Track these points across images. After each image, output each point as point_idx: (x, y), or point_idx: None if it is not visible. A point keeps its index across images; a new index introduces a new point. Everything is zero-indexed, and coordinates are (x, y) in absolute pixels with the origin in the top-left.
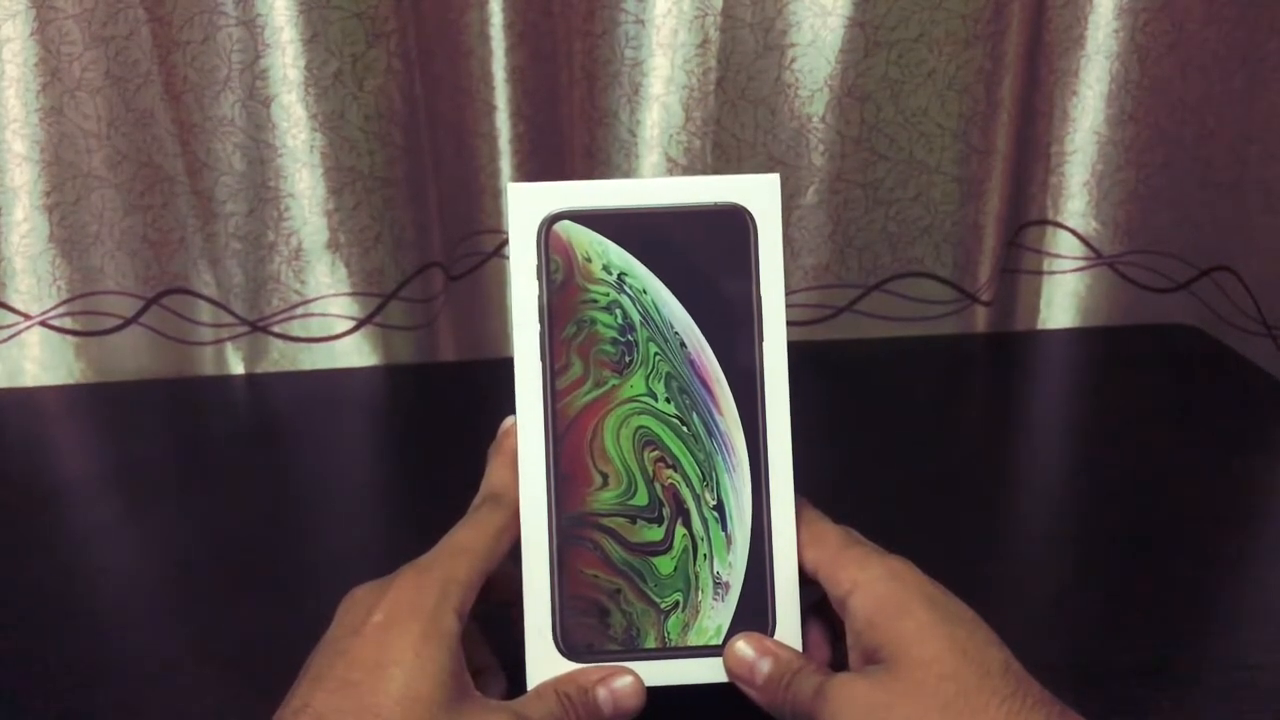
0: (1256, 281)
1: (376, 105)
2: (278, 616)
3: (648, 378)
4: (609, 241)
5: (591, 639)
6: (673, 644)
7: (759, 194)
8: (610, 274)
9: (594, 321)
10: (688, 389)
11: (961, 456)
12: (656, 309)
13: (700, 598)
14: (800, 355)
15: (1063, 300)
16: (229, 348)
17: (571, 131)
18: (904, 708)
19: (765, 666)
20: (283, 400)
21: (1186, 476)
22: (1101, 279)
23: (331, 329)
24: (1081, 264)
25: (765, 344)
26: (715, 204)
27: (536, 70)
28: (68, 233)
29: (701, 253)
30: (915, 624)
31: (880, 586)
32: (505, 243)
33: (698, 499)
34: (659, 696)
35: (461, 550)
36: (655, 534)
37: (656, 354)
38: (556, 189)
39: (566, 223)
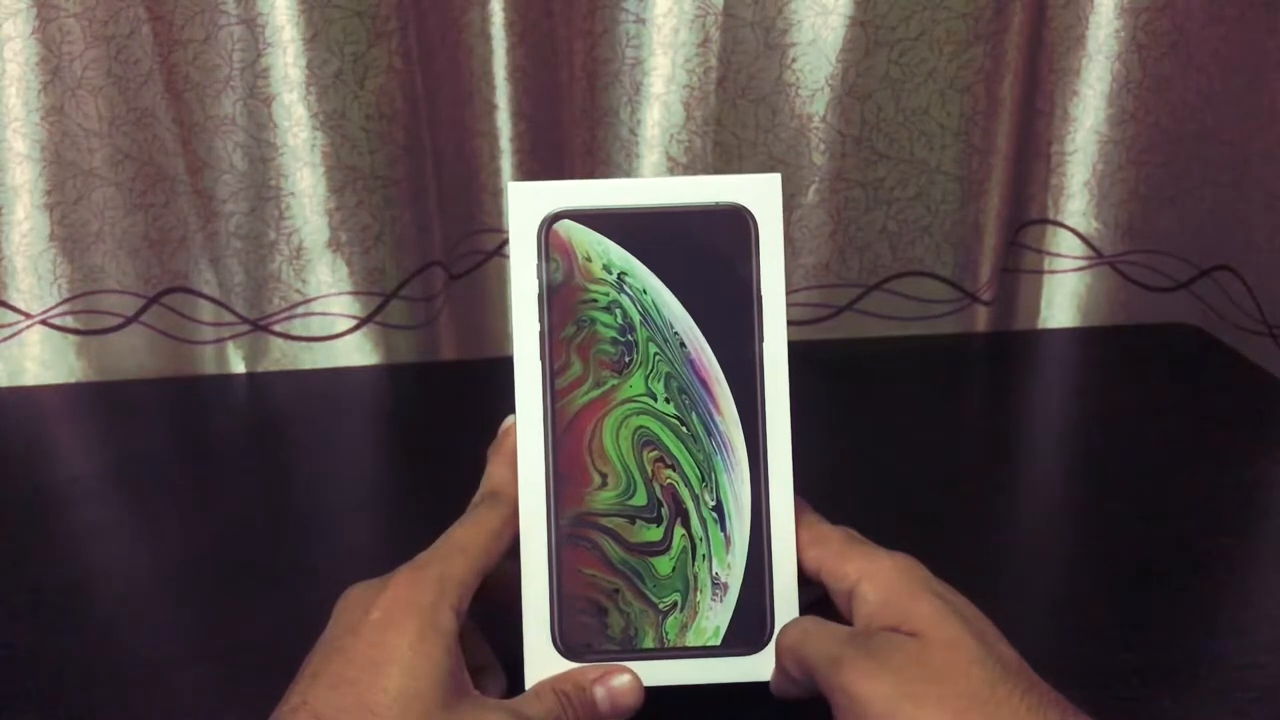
0: (1257, 281)
1: (378, 104)
2: (278, 616)
3: (647, 378)
4: (609, 241)
5: (590, 638)
6: (671, 644)
7: (760, 194)
8: (610, 274)
9: (594, 321)
10: (687, 389)
11: (962, 456)
12: (656, 309)
13: (699, 598)
14: (800, 355)
15: (1063, 300)
16: (230, 346)
17: (572, 130)
18: (938, 685)
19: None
20: (283, 399)
21: (1186, 476)
22: (1102, 278)
23: (332, 328)
24: (1082, 263)
25: (765, 344)
26: (716, 204)
27: (537, 69)
28: (69, 231)
29: (702, 252)
30: (932, 608)
31: (891, 574)
32: (506, 242)
33: (696, 499)
34: (657, 696)
35: (459, 549)
36: (654, 534)
37: (656, 354)
38: (557, 188)
39: (567, 222)
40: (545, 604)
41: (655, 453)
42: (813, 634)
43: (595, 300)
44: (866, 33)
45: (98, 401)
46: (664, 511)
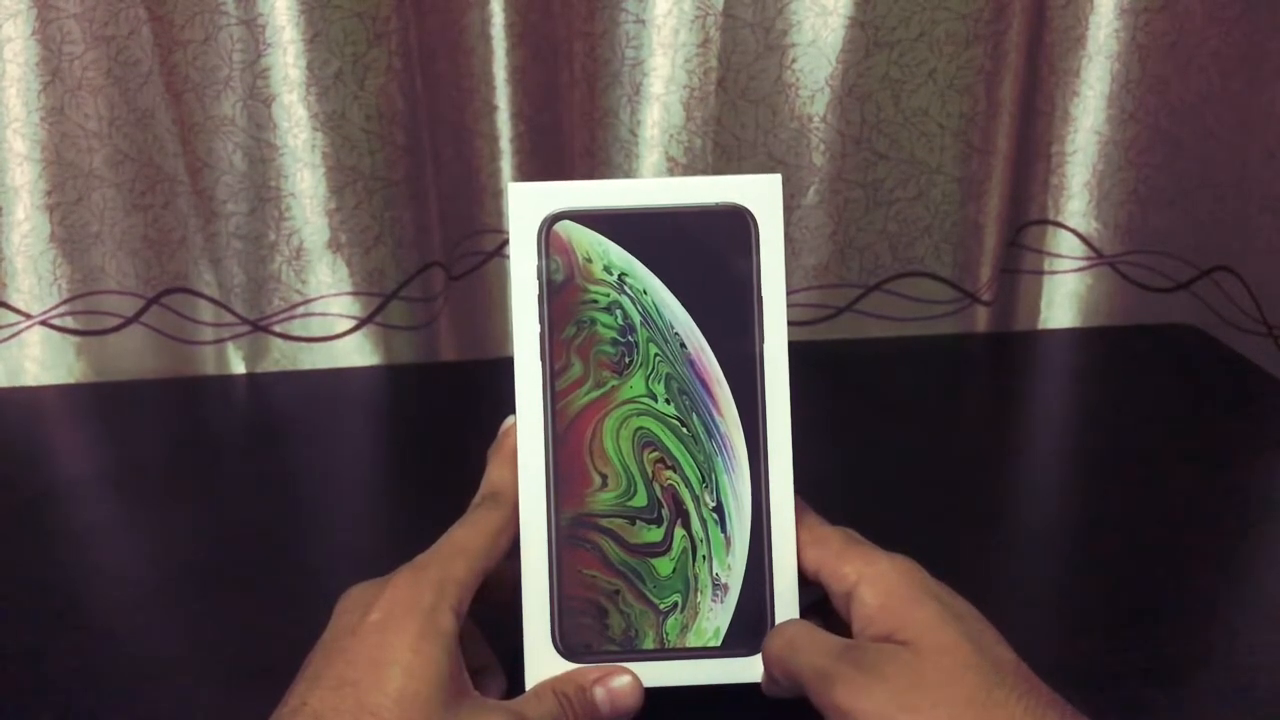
0: (1256, 281)
1: (377, 105)
2: (278, 616)
3: (647, 378)
4: (609, 242)
5: (590, 639)
6: (671, 645)
7: (760, 194)
8: (611, 274)
9: (594, 322)
10: (688, 390)
11: (961, 456)
12: (657, 310)
13: (699, 599)
14: (800, 355)
15: (1063, 300)
16: (230, 347)
17: (572, 131)
18: (932, 693)
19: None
20: (283, 400)
21: (1186, 477)
22: (1102, 279)
23: (332, 329)
24: (1082, 264)
25: (766, 345)
26: (716, 204)
27: (537, 70)
28: (69, 232)
29: (702, 253)
30: (929, 613)
31: (890, 577)
32: (506, 243)
33: (697, 500)
34: (657, 697)
35: (459, 549)
36: (654, 535)
37: (656, 355)
38: (557, 189)
39: (567, 223)
40: (545, 605)
41: (655, 453)
42: (801, 646)
43: (595, 301)
44: (866, 33)
45: (98, 402)
46: (664, 512)
